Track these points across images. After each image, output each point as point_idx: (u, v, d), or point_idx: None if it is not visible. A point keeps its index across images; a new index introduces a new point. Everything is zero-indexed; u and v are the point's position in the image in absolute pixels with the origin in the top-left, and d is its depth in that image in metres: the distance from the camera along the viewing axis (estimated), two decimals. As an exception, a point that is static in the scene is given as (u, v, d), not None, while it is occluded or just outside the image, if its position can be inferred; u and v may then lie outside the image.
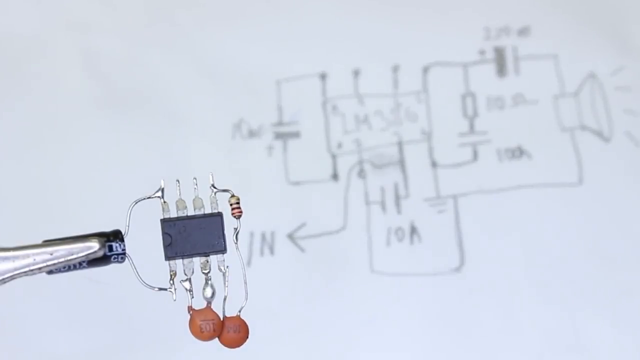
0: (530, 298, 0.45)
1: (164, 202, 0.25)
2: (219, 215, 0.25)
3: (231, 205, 0.25)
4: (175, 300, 0.25)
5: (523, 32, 0.49)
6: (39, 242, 0.24)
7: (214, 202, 0.26)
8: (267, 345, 0.44)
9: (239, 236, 0.26)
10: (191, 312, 0.25)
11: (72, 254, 0.24)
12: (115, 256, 0.25)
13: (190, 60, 0.49)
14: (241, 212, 0.25)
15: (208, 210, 0.26)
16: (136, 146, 0.47)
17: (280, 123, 0.48)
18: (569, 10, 0.49)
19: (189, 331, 0.25)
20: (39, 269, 0.24)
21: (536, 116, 0.48)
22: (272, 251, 0.46)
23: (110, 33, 0.49)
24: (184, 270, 0.25)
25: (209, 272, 0.25)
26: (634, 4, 0.49)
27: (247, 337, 0.26)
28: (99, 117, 0.48)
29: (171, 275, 0.25)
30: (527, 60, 0.49)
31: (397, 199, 0.47)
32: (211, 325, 0.25)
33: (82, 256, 0.24)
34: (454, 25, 0.49)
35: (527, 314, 0.45)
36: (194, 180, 0.26)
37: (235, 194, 0.26)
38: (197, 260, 0.25)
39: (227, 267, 0.25)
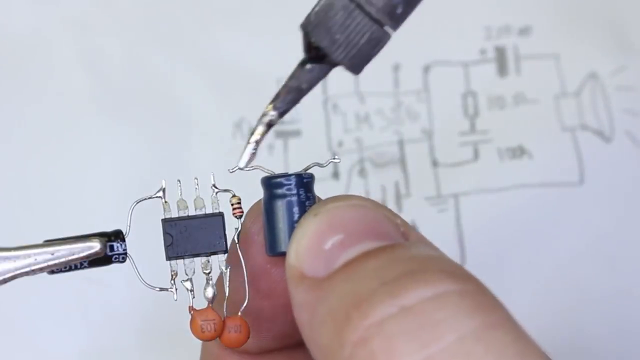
0: (531, 298, 0.45)
1: (165, 202, 0.25)
2: (220, 215, 0.25)
3: (232, 205, 0.26)
4: (176, 300, 0.25)
5: (524, 31, 0.49)
6: (40, 242, 0.24)
7: (215, 202, 0.26)
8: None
9: (240, 236, 0.26)
10: (192, 312, 0.25)
11: (73, 254, 0.24)
12: (116, 256, 0.25)
13: (191, 59, 0.49)
14: (242, 212, 0.25)
15: (209, 210, 0.26)
16: (137, 146, 0.47)
17: (280, 122, 0.48)
18: (570, 9, 0.49)
19: (190, 331, 0.25)
20: (40, 269, 0.24)
21: (537, 116, 0.48)
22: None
23: (110, 33, 0.49)
24: (185, 271, 0.25)
25: (210, 272, 0.25)
26: (635, 4, 0.49)
27: (249, 338, 0.26)
28: (99, 116, 0.48)
29: (172, 276, 0.25)
30: (528, 59, 0.49)
31: (398, 197, 0.47)
32: (212, 326, 0.25)
33: (83, 256, 0.24)
34: (454, 24, 0.49)
35: (527, 314, 0.45)
36: (195, 180, 0.26)
37: (236, 194, 0.26)
38: (198, 261, 0.25)
39: (229, 267, 0.26)
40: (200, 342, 0.28)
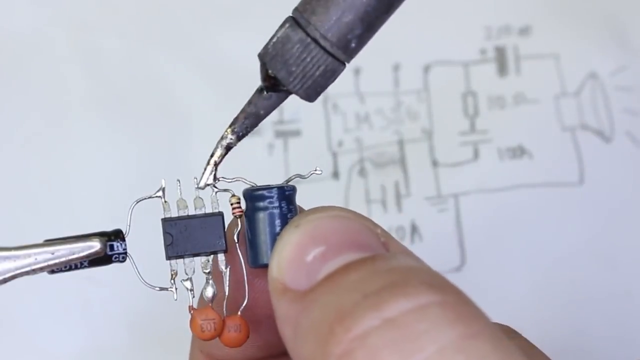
0: (531, 298, 0.45)
1: (165, 201, 0.25)
2: (220, 214, 0.26)
3: (232, 204, 0.26)
4: (176, 299, 0.25)
5: (524, 31, 0.49)
6: (40, 241, 0.24)
7: (215, 201, 0.26)
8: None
9: (239, 236, 0.26)
10: (192, 312, 0.25)
11: (74, 254, 0.24)
12: (116, 256, 0.25)
13: (191, 59, 0.49)
14: (242, 211, 0.26)
15: (209, 210, 0.26)
16: (136, 146, 0.47)
17: (280, 121, 0.48)
18: (570, 9, 0.49)
19: (190, 331, 0.26)
20: (40, 268, 0.24)
21: (537, 115, 0.48)
22: (272, 250, 0.46)
23: (110, 33, 0.49)
24: (185, 270, 0.25)
25: (209, 271, 0.26)
26: (635, 4, 0.49)
27: (248, 337, 0.26)
28: (99, 116, 0.48)
29: (172, 275, 0.25)
30: (528, 59, 0.49)
31: (398, 197, 0.47)
32: (212, 325, 0.25)
33: (83, 256, 0.24)
34: (454, 24, 0.49)
35: (527, 314, 0.45)
36: (195, 179, 0.26)
37: (235, 194, 0.26)
38: (198, 260, 0.26)
39: (228, 266, 0.26)
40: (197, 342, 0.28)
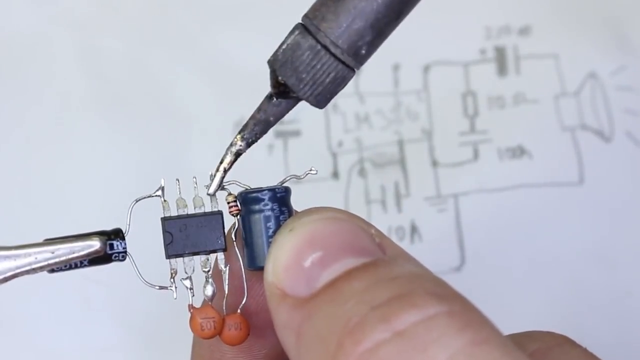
0: (531, 298, 0.45)
1: (165, 200, 0.26)
2: (219, 213, 0.26)
3: (228, 203, 0.26)
4: (176, 298, 0.25)
5: (524, 31, 0.49)
6: (40, 240, 0.24)
7: (214, 200, 0.26)
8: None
9: (237, 234, 0.26)
10: (192, 311, 0.25)
11: (74, 253, 0.24)
12: (116, 255, 0.25)
13: (191, 59, 0.49)
14: (239, 209, 0.26)
15: (208, 209, 0.26)
16: (136, 145, 0.47)
17: (280, 122, 0.48)
18: (570, 9, 0.49)
19: (190, 329, 0.26)
20: (41, 267, 0.24)
21: (537, 115, 0.48)
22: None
23: (111, 33, 0.49)
24: (185, 269, 0.25)
25: (209, 270, 0.26)
26: (635, 4, 0.49)
27: (249, 335, 0.26)
28: (99, 116, 0.48)
29: (172, 274, 0.25)
30: (527, 59, 0.49)
31: (398, 197, 0.47)
32: (212, 323, 0.25)
33: (83, 255, 0.24)
34: (454, 24, 0.49)
35: (527, 314, 0.45)
36: (194, 179, 0.26)
37: (232, 192, 0.26)
38: (198, 259, 0.26)
39: (228, 265, 0.26)
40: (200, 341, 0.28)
